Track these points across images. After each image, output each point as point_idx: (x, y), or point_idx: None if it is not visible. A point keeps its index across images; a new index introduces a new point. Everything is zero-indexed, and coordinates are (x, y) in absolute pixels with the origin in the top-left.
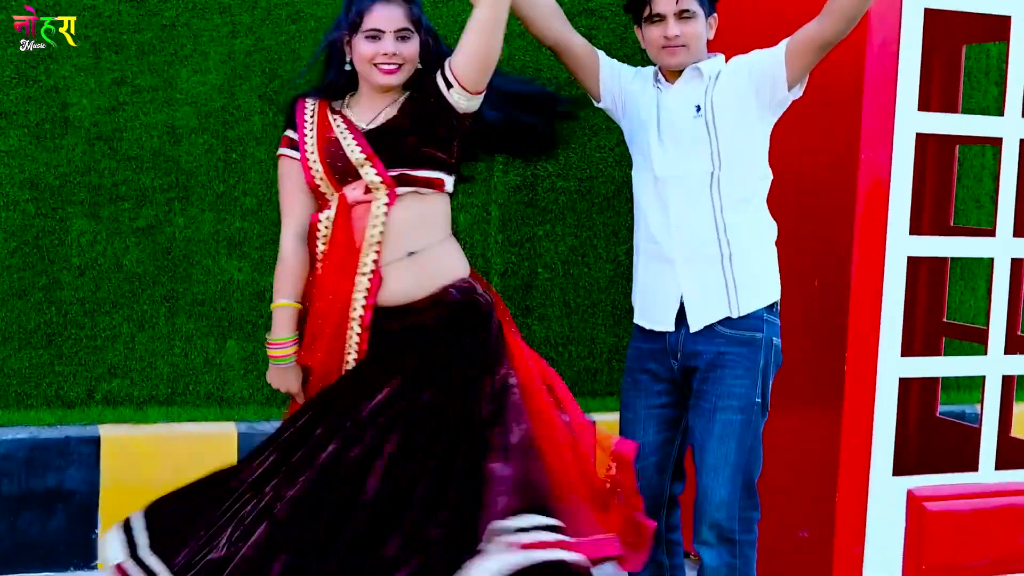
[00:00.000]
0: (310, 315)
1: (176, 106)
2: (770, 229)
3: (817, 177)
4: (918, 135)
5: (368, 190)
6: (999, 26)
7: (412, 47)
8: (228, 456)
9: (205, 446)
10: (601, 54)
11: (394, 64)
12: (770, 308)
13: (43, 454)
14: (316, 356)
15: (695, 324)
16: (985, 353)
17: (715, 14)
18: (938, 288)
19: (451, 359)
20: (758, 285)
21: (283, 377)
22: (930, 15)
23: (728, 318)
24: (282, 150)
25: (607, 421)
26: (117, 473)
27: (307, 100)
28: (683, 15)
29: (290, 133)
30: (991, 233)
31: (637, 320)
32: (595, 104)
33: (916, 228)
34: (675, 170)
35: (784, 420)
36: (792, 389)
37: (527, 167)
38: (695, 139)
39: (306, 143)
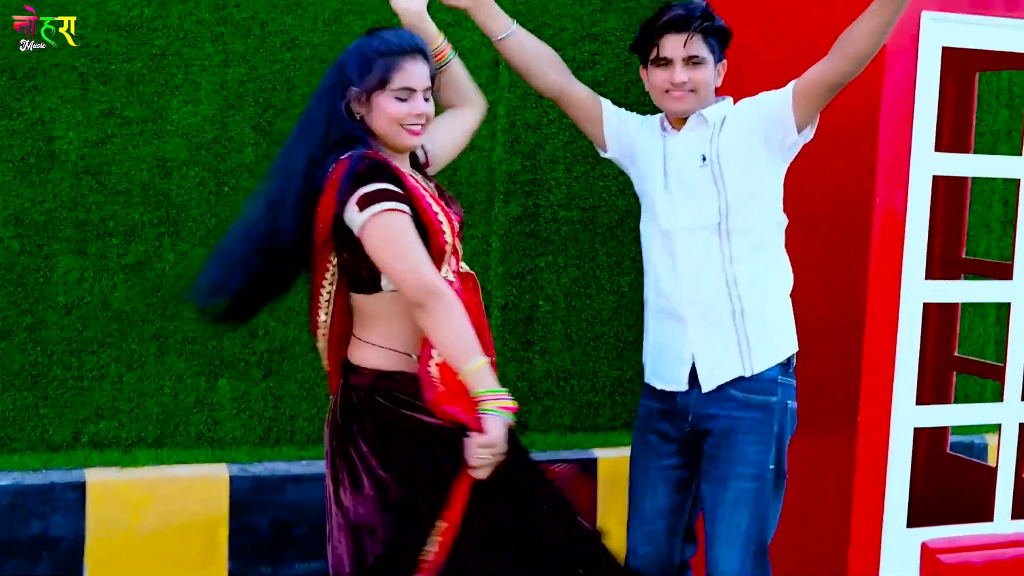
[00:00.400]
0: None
1: (166, 138)
2: (785, 279)
3: (829, 220)
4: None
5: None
6: (1016, 57)
7: (432, 106)
8: (220, 500)
9: (196, 489)
10: (605, 102)
11: (420, 124)
12: (785, 366)
13: (27, 500)
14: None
15: (707, 384)
16: (1001, 393)
17: (724, 60)
18: (950, 321)
19: None
20: (772, 341)
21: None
22: (946, 51)
23: (741, 378)
24: (394, 204)
25: (610, 457)
26: (104, 519)
27: (350, 157)
28: (692, 60)
29: (390, 187)
30: (1004, 267)
31: (648, 379)
32: (601, 154)
33: (928, 261)
34: (682, 222)
35: (796, 471)
36: (805, 440)
37: (528, 196)
38: (702, 189)
39: (426, 199)
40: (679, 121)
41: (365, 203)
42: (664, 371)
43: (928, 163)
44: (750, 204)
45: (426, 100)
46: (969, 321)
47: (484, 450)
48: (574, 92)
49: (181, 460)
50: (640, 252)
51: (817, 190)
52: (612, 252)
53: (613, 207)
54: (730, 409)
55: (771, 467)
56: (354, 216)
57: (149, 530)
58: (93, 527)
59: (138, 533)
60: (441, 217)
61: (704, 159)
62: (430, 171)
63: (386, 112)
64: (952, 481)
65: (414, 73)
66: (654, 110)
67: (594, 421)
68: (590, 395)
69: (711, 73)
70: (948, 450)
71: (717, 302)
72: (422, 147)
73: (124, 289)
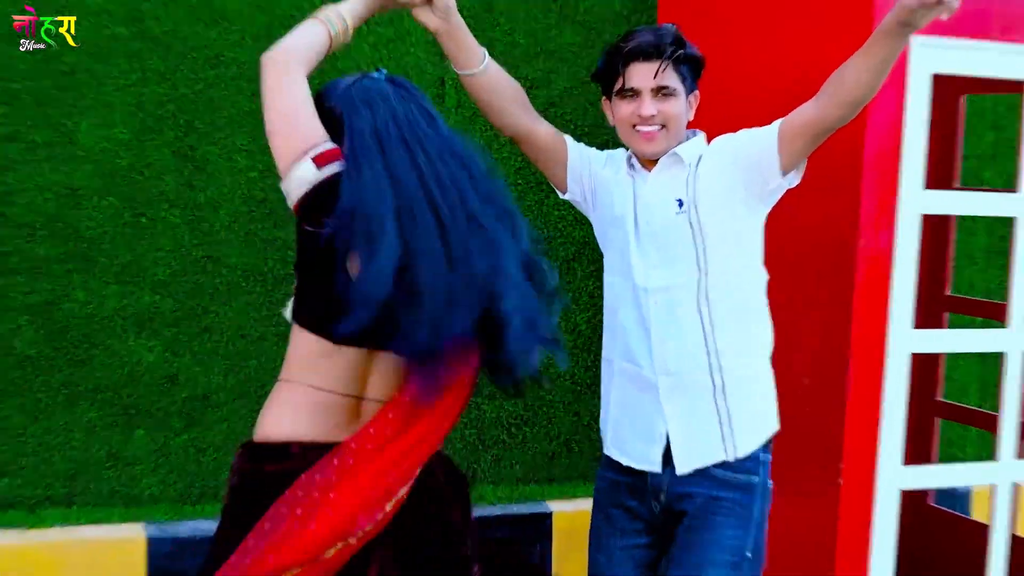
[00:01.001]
0: None
1: (76, 164)
2: (768, 346)
3: (809, 266)
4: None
5: None
6: (1007, 81)
7: None
8: (136, 565)
9: (109, 552)
10: (569, 140)
11: None
12: (767, 444)
13: None
14: None
15: (683, 468)
16: (992, 447)
17: (696, 91)
18: (933, 363)
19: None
20: (757, 420)
21: None
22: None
23: (724, 463)
24: None
25: (566, 512)
26: None
27: None
28: (662, 91)
29: None
30: (993, 306)
31: (608, 451)
32: (560, 195)
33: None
34: (658, 280)
35: (775, 539)
36: (784, 506)
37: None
38: (678, 240)
39: None
40: (650, 161)
41: None
42: (632, 448)
43: (917, 202)
44: (731, 257)
45: None
46: (952, 358)
47: None
48: (540, 133)
49: (93, 520)
50: (598, 287)
51: (795, 232)
52: (568, 287)
53: (569, 238)
54: (708, 488)
55: (748, 554)
56: None
57: None
58: None
59: None
60: None
61: (680, 204)
62: None
63: None
64: (938, 536)
65: None
66: (614, 135)
67: (549, 472)
68: (544, 444)
69: (683, 106)
70: (931, 500)
71: (696, 375)
72: None
73: (29, 331)
